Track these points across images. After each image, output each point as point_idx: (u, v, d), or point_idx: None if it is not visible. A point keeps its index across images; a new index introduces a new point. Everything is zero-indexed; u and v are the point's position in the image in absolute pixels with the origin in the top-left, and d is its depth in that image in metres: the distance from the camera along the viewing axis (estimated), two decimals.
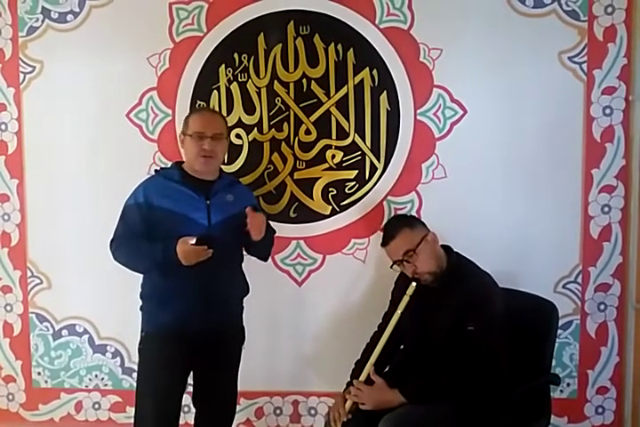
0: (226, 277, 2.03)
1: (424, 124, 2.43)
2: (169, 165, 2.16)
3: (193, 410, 2.18)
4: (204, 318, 1.97)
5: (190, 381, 2.12)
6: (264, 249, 2.21)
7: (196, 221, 1.98)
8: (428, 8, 2.38)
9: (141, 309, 2.08)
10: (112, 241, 2.04)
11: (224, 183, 2.09)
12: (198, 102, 2.46)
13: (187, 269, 1.91)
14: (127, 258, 2.02)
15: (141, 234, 1.98)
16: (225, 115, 2.44)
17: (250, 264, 2.47)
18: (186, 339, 1.97)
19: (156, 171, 2.11)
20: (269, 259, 2.49)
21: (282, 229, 2.47)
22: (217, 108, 2.45)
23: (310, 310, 2.53)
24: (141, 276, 2.07)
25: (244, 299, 2.19)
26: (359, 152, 2.44)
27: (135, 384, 2.06)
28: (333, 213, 2.48)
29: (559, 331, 2.22)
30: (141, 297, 2.07)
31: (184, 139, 2.05)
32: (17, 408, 2.66)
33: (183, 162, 2.10)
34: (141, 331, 2.06)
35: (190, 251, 1.88)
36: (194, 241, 1.87)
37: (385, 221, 2.24)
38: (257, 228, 2.00)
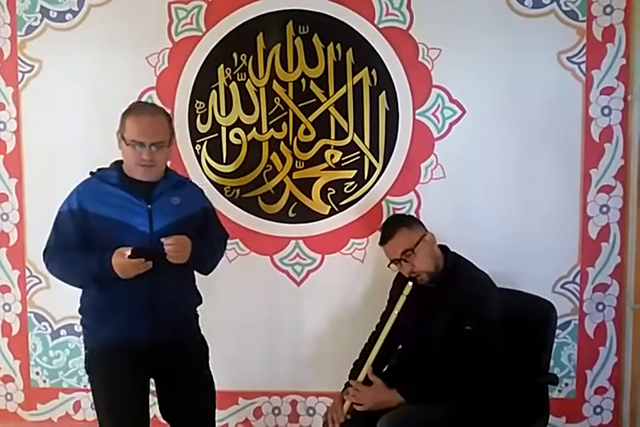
0: (172, 287, 1.85)
1: (423, 124, 2.43)
2: (108, 166, 1.93)
3: None
4: (149, 332, 1.81)
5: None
6: (199, 268, 2.00)
7: (135, 229, 1.80)
8: (427, 8, 2.38)
9: (81, 323, 1.93)
10: (45, 252, 1.88)
11: (169, 184, 1.89)
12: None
13: (126, 281, 1.76)
14: (60, 271, 1.87)
15: (76, 245, 1.82)
16: (224, 115, 2.45)
17: (249, 264, 2.48)
18: (133, 354, 1.81)
19: (91, 173, 1.91)
20: (268, 259, 2.50)
21: (280, 228, 2.48)
22: (216, 109, 2.45)
23: (309, 309, 2.52)
24: None
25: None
26: (358, 152, 2.44)
27: None
28: (332, 212, 2.47)
29: (557, 331, 2.22)
30: (80, 312, 1.92)
31: (120, 140, 1.83)
32: (15, 408, 2.66)
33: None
34: (85, 348, 1.94)
35: (126, 264, 1.72)
36: (129, 253, 1.72)
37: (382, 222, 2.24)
38: (173, 253, 1.78)
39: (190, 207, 1.92)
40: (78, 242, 1.83)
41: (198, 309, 2.03)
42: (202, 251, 1.89)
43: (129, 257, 1.72)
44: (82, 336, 2.52)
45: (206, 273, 2.04)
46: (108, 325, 1.83)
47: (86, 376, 2.53)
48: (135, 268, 1.74)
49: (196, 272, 2.01)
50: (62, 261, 1.85)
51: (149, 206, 1.83)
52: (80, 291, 1.92)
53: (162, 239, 1.77)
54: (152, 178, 1.86)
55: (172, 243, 1.77)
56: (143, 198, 1.83)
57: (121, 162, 1.89)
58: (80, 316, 1.93)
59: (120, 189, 1.84)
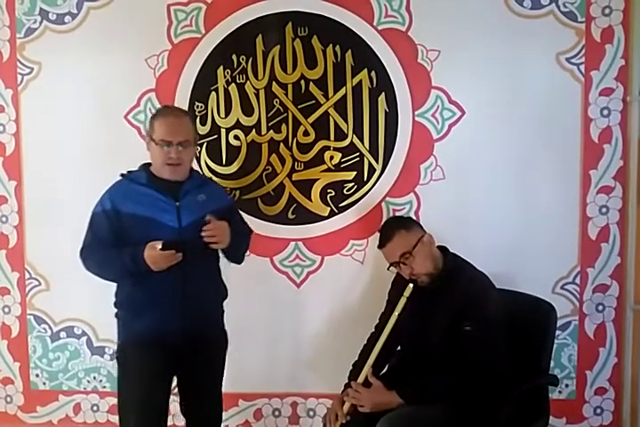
0: (201, 280, 1.96)
1: (422, 126, 2.43)
2: (136, 168, 2.05)
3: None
4: (181, 325, 1.91)
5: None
6: (235, 254, 2.12)
7: (165, 225, 1.92)
8: (426, 10, 2.38)
9: (116, 316, 2.03)
10: (82, 251, 1.98)
11: (195, 183, 2.02)
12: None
13: (159, 274, 1.86)
14: (98, 267, 1.97)
15: (110, 242, 1.92)
16: (223, 116, 2.45)
17: (248, 266, 2.47)
18: (164, 346, 1.90)
19: (122, 175, 2.03)
20: (268, 260, 2.50)
21: (280, 230, 2.48)
22: (215, 110, 2.45)
23: (309, 311, 2.52)
24: None
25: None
26: (357, 153, 2.44)
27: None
28: (332, 214, 2.47)
29: (557, 332, 2.21)
30: (115, 305, 2.02)
31: (149, 142, 1.96)
32: (15, 411, 2.66)
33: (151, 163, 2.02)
34: (118, 339, 2.02)
35: (158, 256, 1.82)
36: (160, 246, 1.82)
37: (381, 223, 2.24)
38: (215, 238, 1.91)
39: (215, 204, 2.02)
40: (112, 240, 1.93)
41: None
42: (236, 238, 2.01)
43: (160, 249, 1.81)
44: (82, 338, 2.58)
45: (239, 262, 2.16)
46: (142, 317, 1.93)
47: (86, 378, 2.61)
48: (166, 260, 1.84)
49: (230, 264, 2.13)
50: (98, 259, 1.96)
51: (177, 204, 1.95)
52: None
53: (205, 223, 1.88)
54: (179, 177, 1.98)
55: (210, 228, 1.89)
56: (171, 196, 1.95)
57: (149, 164, 2.01)
58: (115, 309, 2.02)
59: (149, 188, 1.96)
